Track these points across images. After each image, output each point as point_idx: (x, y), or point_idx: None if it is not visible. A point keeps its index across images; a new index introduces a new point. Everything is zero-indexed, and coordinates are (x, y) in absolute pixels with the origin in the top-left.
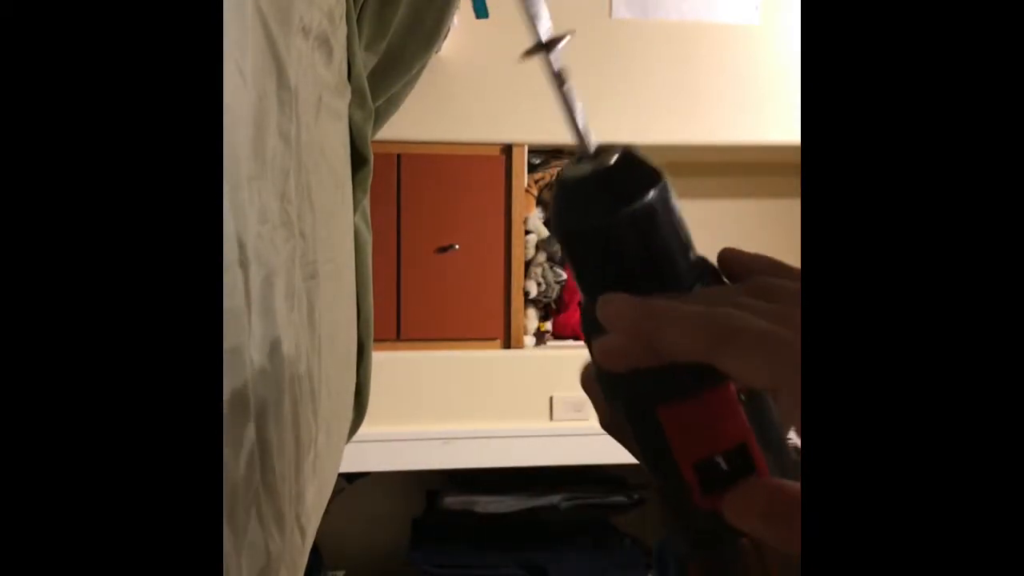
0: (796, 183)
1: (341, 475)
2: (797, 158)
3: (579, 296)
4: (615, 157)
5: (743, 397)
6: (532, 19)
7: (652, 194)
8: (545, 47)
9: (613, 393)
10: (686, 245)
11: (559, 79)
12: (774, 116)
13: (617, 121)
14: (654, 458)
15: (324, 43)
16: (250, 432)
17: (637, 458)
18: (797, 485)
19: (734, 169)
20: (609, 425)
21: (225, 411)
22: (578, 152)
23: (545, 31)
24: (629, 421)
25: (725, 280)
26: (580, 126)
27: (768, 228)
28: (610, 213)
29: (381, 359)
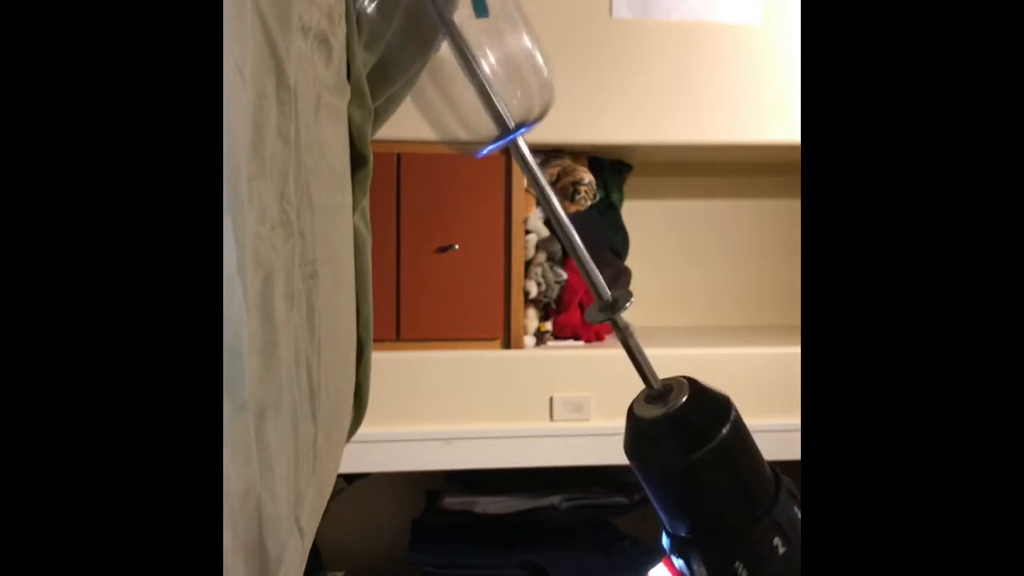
0: (796, 183)
1: (341, 476)
2: (797, 158)
3: (579, 296)
4: (684, 398)
5: None
6: (597, 289)
7: (724, 432)
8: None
9: None
10: (759, 468)
11: (626, 332)
12: (774, 116)
13: (617, 121)
14: None
15: (323, 42)
16: (249, 433)
17: None
18: None
19: (734, 169)
20: None
21: (224, 412)
22: (646, 389)
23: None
24: None
25: (794, 495)
26: (644, 367)
27: (768, 228)
28: (686, 455)
29: (381, 359)
